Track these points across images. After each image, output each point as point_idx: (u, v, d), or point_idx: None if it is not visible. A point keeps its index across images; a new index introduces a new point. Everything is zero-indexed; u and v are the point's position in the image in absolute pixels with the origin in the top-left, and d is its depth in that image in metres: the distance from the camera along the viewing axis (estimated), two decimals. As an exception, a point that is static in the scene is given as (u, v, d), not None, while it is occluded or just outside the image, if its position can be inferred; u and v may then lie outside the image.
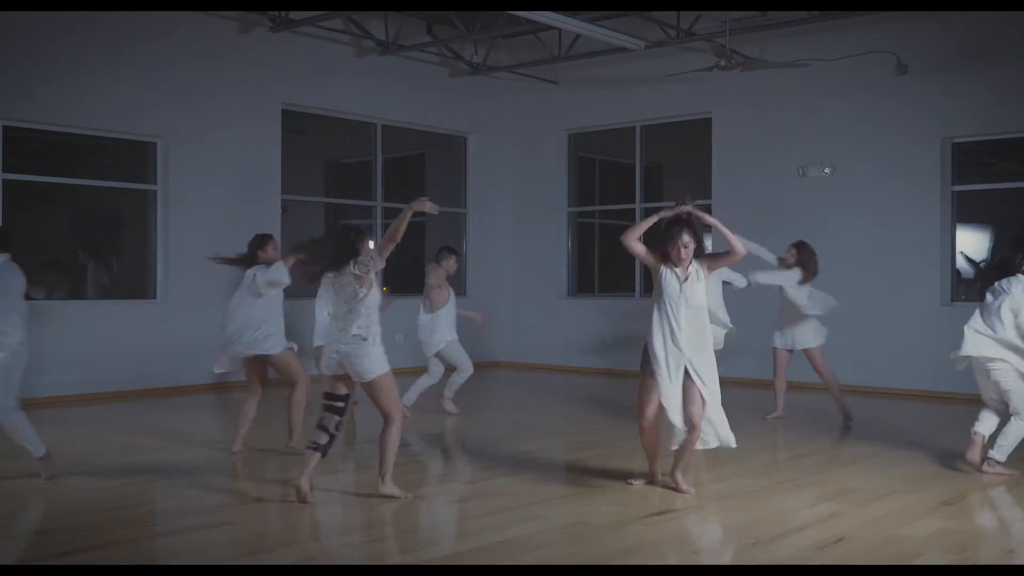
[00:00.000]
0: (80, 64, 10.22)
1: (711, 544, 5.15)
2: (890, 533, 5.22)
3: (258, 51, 11.54)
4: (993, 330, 6.59)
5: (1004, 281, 6.69)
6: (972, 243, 11.96)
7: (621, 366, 12.39)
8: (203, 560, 4.80)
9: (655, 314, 6.00)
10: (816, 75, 11.18)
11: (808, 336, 8.91)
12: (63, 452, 7.33)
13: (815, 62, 10.95)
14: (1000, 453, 6.65)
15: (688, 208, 5.98)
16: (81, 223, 12.02)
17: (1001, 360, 6.59)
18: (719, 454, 7.42)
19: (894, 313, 11.04)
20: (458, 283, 14.23)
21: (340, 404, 5.84)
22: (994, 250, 12.10)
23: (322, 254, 5.94)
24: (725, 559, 4.84)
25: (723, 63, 9.80)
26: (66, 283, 11.24)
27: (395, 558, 4.86)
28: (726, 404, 6.21)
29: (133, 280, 11.41)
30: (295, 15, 11.35)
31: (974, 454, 6.77)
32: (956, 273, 11.23)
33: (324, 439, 5.76)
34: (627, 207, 13.65)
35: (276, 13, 11.28)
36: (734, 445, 6.22)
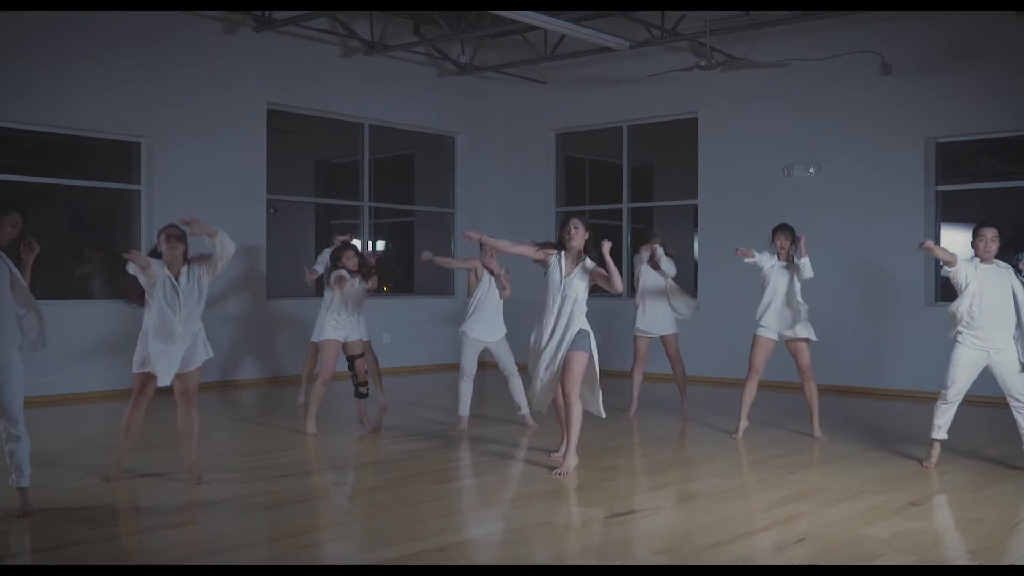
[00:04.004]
0: (64, 64, 10.22)
1: (670, 544, 5.13)
2: (852, 534, 5.21)
3: (243, 51, 11.54)
4: None
5: None
6: (959, 243, 11.91)
7: (610, 366, 12.35)
8: (163, 560, 4.80)
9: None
10: (801, 75, 11.17)
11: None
12: (34, 451, 7.33)
13: (800, 62, 10.93)
14: None
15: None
16: (74, 223, 12.05)
17: None
18: (689, 455, 7.43)
19: (878, 313, 11.02)
20: (446, 283, 14.26)
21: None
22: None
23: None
24: (682, 559, 4.83)
25: (703, 63, 9.78)
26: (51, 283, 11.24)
27: (353, 558, 4.85)
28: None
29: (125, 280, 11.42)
30: (278, 15, 11.34)
31: None
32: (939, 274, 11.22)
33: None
34: (615, 207, 13.64)
35: (260, 13, 11.27)
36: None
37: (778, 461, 7.38)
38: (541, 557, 4.80)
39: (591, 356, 6.62)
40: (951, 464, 7.11)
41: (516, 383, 8.53)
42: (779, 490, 6.31)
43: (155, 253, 6.17)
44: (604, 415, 6.83)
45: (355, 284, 8.11)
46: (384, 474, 6.93)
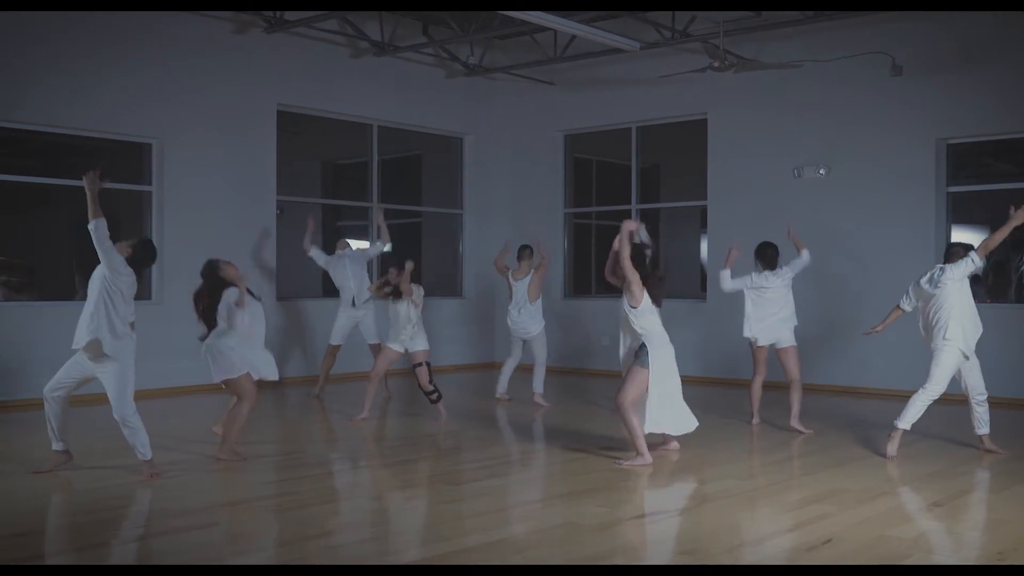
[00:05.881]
0: (75, 65, 10.21)
1: (698, 545, 5.13)
2: (878, 534, 5.21)
3: (253, 52, 11.54)
4: None
5: None
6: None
7: (619, 367, 12.36)
8: (188, 561, 4.79)
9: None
10: (811, 76, 11.17)
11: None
12: (53, 454, 7.32)
13: (810, 63, 10.93)
14: None
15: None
16: (75, 225, 11.99)
17: None
18: (705, 456, 7.43)
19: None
20: (455, 284, 14.26)
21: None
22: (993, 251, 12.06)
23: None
24: (711, 560, 4.83)
25: (716, 64, 9.78)
26: (60, 284, 11.24)
27: (380, 559, 4.84)
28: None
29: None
30: (290, 16, 11.34)
31: None
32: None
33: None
34: (623, 208, 13.63)
35: (271, 14, 11.27)
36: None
37: (796, 462, 7.40)
38: (567, 558, 4.79)
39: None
40: (970, 464, 7.13)
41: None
42: (799, 491, 6.30)
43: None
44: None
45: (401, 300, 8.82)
46: (405, 475, 6.92)
